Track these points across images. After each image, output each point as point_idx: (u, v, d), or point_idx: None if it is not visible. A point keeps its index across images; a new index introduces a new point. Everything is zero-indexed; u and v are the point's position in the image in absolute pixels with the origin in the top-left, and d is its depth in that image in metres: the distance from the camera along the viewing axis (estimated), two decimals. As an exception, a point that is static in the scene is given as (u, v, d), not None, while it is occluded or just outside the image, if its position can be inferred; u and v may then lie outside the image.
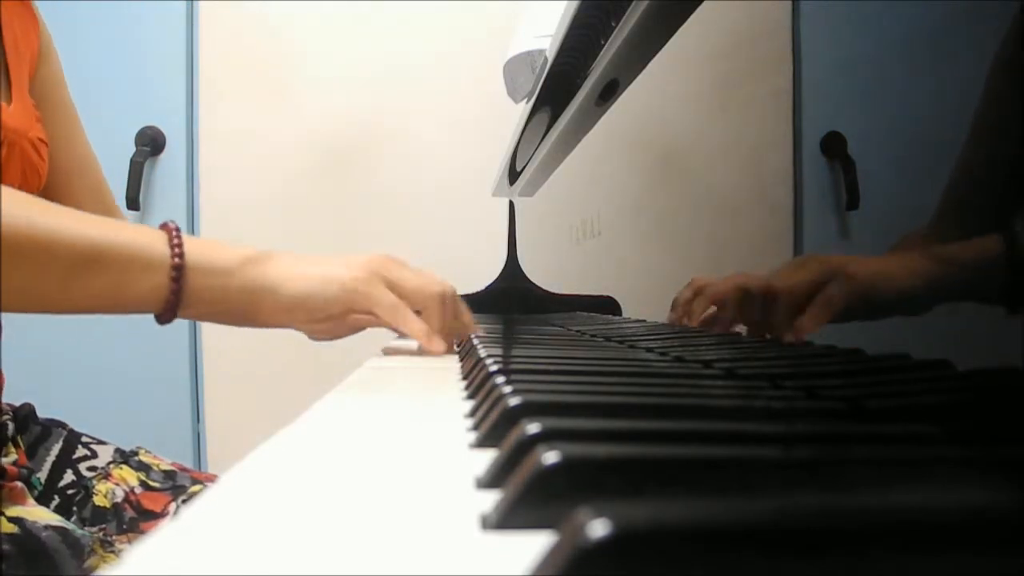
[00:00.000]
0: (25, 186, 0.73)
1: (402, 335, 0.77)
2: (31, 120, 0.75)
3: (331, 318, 0.66)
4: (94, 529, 0.70)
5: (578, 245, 1.36)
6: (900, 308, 0.50)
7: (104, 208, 0.90)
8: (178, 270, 0.59)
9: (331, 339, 0.71)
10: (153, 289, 0.58)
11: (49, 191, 0.82)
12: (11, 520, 0.59)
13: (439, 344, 0.69)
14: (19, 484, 0.65)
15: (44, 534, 0.59)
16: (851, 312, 0.53)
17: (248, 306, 0.62)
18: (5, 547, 0.56)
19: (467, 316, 0.77)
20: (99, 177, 0.90)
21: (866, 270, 0.51)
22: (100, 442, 0.80)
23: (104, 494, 0.74)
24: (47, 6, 0.90)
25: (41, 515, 0.62)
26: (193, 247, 0.60)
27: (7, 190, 0.53)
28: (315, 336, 0.70)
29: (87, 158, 0.88)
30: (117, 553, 0.65)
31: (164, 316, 0.60)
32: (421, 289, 0.68)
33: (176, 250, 0.59)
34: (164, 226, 0.61)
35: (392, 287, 0.67)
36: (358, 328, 0.71)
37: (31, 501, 0.65)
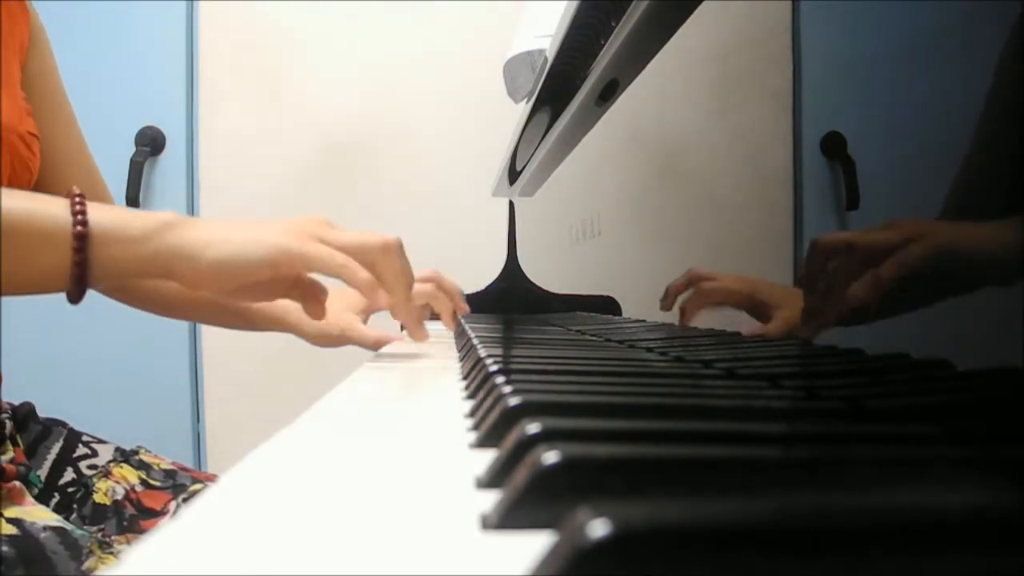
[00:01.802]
0: (15, 181, 0.73)
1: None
2: (21, 114, 0.75)
3: (259, 284, 0.59)
4: (93, 529, 0.70)
5: (578, 245, 1.36)
6: (991, 278, 0.47)
7: (97, 200, 0.89)
8: (81, 239, 0.53)
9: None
10: (56, 263, 0.53)
11: (40, 184, 0.81)
12: (10, 521, 0.59)
13: (384, 297, 0.62)
14: (17, 484, 0.65)
15: (43, 535, 0.59)
16: (928, 286, 0.50)
17: (166, 274, 0.57)
18: (4, 548, 0.56)
19: (446, 283, 0.75)
20: (94, 173, 0.89)
21: (942, 238, 0.48)
22: (100, 441, 0.80)
23: (104, 492, 0.74)
24: (47, 6, 0.90)
25: (40, 515, 0.62)
26: (100, 214, 0.54)
27: None
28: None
29: (79, 150, 0.88)
30: (115, 554, 0.65)
31: (72, 293, 0.55)
32: (361, 242, 0.61)
33: (79, 217, 0.54)
34: (69, 192, 0.55)
35: (327, 244, 0.60)
36: (288, 298, 0.66)
37: (30, 500, 0.65)
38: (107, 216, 0.55)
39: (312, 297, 0.65)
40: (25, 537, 0.58)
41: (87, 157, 0.89)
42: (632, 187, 1.15)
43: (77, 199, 0.55)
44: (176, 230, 0.56)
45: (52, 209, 0.54)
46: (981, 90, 0.41)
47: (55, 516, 0.64)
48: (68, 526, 0.62)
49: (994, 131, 0.41)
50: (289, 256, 0.58)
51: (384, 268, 0.62)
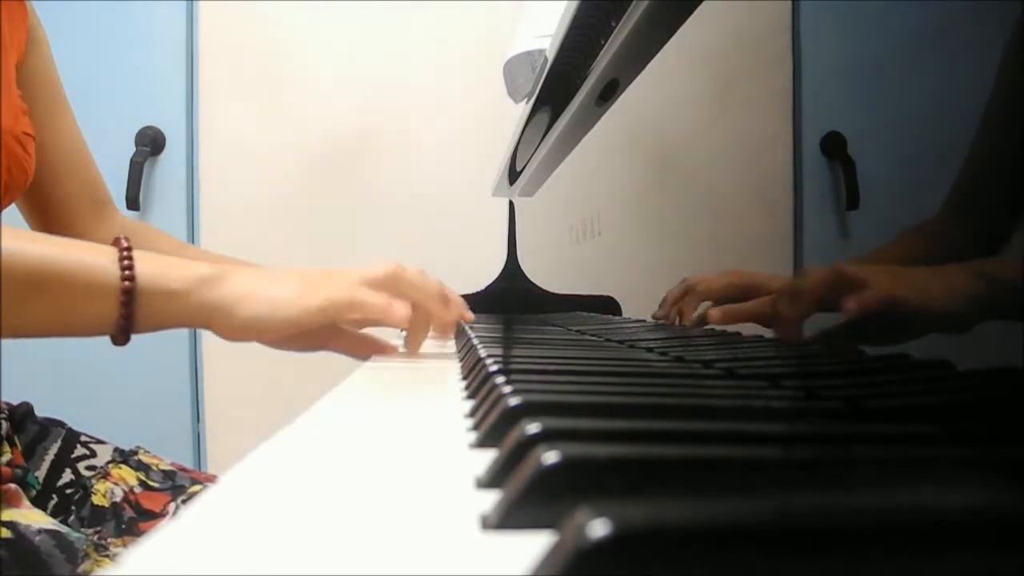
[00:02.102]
0: (10, 182, 0.73)
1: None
2: (17, 114, 0.75)
3: (288, 340, 0.63)
4: (89, 532, 0.69)
5: (578, 245, 1.36)
6: (939, 327, 0.49)
7: (97, 203, 0.89)
8: (128, 294, 0.56)
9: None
10: (104, 311, 0.56)
11: (38, 185, 0.81)
12: (5, 524, 0.59)
13: (399, 315, 0.63)
14: (13, 486, 0.65)
15: (38, 538, 0.59)
16: (882, 332, 0.52)
17: (204, 324, 0.61)
18: None
19: (449, 294, 0.77)
20: (92, 171, 0.89)
21: (897, 287, 0.50)
22: (99, 441, 0.80)
23: (103, 493, 0.74)
24: (47, 6, 0.90)
25: (35, 518, 0.62)
26: (146, 267, 0.57)
27: None
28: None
29: (79, 151, 0.88)
30: (112, 557, 0.64)
31: (118, 339, 0.58)
32: (374, 275, 0.64)
33: (126, 272, 0.56)
34: (116, 242, 0.58)
35: (351, 287, 0.63)
36: (326, 343, 0.71)
37: (26, 503, 0.65)
38: (151, 268, 0.58)
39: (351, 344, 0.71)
40: (20, 540, 0.58)
41: (87, 156, 0.89)
42: (632, 187, 1.15)
43: (124, 252, 0.57)
44: (213, 285, 0.60)
45: (100, 260, 0.57)
46: (981, 90, 0.41)
47: (50, 519, 0.64)
48: (63, 529, 0.62)
49: (996, 132, 0.41)
50: (311, 316, 0.61)
51: (407, 288, 0.65)
